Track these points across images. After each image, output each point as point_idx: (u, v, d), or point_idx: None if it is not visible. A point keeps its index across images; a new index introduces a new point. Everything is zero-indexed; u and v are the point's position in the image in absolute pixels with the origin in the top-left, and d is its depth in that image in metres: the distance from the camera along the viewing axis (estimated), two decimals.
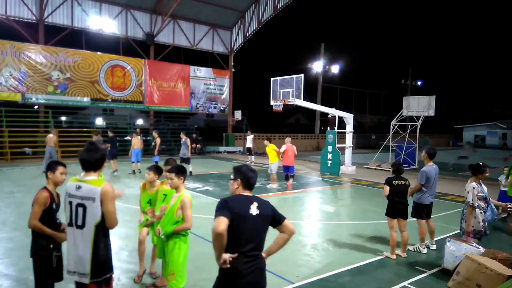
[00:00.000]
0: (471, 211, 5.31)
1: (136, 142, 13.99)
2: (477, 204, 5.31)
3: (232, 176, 2.85)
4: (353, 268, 5.36)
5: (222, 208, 2.59)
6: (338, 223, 8.02)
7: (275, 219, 2.80)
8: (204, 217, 7.25)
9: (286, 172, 12.06)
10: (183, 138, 14.17)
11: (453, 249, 5.12)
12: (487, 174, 5.48)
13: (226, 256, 2.55)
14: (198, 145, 22.59)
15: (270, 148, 12.04)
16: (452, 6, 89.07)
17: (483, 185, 5.51)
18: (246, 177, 2.80)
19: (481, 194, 5.36)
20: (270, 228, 2.83)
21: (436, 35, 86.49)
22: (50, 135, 13.81)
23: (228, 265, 2.55)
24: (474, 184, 5.38)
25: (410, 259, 5.79)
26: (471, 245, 5.11)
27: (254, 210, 2.67)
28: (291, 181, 12.07)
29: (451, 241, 5.27)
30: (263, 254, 2.77)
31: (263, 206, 2.74)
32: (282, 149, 11.88)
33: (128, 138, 20.29)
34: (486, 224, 5.44)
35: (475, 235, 5.41)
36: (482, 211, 5.36)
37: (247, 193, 2.80)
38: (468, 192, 5.32)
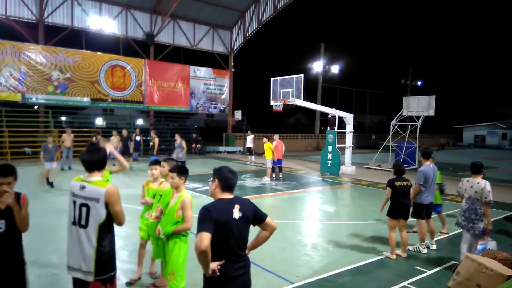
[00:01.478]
0: (489, 209, 5.22)
1: (115, 140, 14.84)
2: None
3: (211, 178, 2.83)
4: (353, 268, 5.36)
5: (205, 219, 2.53)
6: (338, 223, 8.02)
7: (257, 218, 2.79)
8: None
9: (275, 165, 13.61)
10: (178, 140, 13.62)
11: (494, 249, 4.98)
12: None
13: (214, 265, 2.53)
14: (198, 145, 22.61)
15: (267, 146, 13.63)
16: (452, 6, 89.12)
17: None
18: (225, 178, 2.74)
19: None
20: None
21: (436, 35, 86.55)
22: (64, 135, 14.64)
23: (218, 273, 2.54)
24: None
25: (410, 259, 5.79)
26: (490, 242, 5.10)
27: (236, 213, 2.65)
28: (280, 174, 13.75)
29: (489, 244, 5.08)
30: (246, 250, 2.80)
31: (245, 207, 2.72)
32: (273, 145, 13.47)
33: None
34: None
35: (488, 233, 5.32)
36: None
37: (227, 196, 2.74)
38: (489, 191, 5.18)
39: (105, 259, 2.91)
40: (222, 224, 2.55)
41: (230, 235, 2.60)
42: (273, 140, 13.72)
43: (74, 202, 2.95)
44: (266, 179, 13.49)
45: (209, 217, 2.53)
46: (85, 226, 2.89)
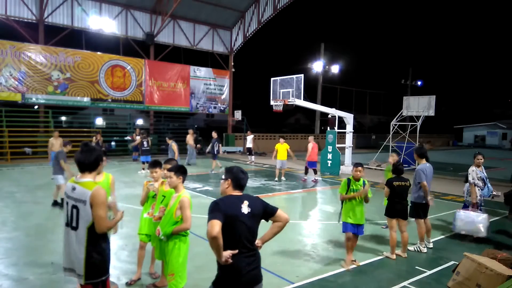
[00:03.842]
0: (474, 188, 6.84)
1: (55, 143, 12.08)
2: (476, 182, 6.87)
3: (223, 176, 2.92)
4: (353, 268, 5.35)
5: (214, 210, 2.64)
6: (338, 223, 8.01)
7: (267, 212, 2.88)
8: (204, 217, 7.20)
9: (312, 167, 13.49)
10: (169, 141, 13.07)
11: (463, 217, 6.69)
12: (479, 160, 6.97)
13: (227, 253, 2.61)
14: (198, 145, 22.61)
15: (284, 147, 13.33)
16: (451, 6, 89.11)
17: (483, 169, 7.06)
18: (237, 177, 2.86)
19: (479, 175, 6.92)
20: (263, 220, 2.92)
21: (436, 35, 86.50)
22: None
23: (231, 261, 2.62)
24: (473, 167, 6.97)
25: (410, 259, 5.79)
26: (477, 211, 6.66)
27: (245, 208, 2.74)
28: (315, 177, 13.83)
29: (461, 211, 6.84)
30: (259, 242, 2.86)
31: (254, 204, 2.81)
32: (310, 147, 13.23)
33: (128, 138, 20.30)
34: (482, 198, 7.11)
35: (473, 206, 6.86)
36: (479, 189, 6.94)
37: (237, 193, 2.85)
38: (470, 174, 6.94)
39: (96, 262, 2.87)
40: (230, 217, 2.65)
41: (239, 229, 2.69)
42: (309, 142, 13.44)
43: (67, 203, 2.94)
44: (276, 180, 13.36)
45: (219, 209, 2.64)
46: (75, 228, 2.86)
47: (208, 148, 16.02)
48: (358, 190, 5.41)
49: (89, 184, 2.89)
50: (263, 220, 2.91)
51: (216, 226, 2.53)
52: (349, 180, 5.50)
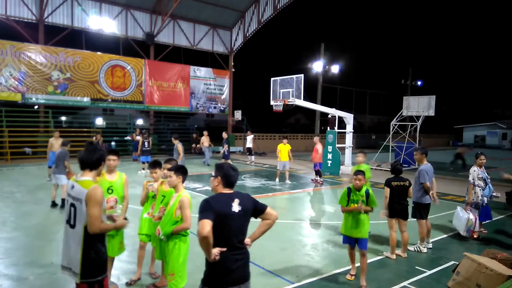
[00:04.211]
0: (472, 188, 6.91)
1: (54, 143, 11.78)
2: (477, 183, 6.90)
3: (213, 173, 2.91)
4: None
5: (205, 210, 2.64)
6: (338, 223, 8.00)
7: (257, 210, 2.89)
8: None
9: (318, 168, 13.36)
10: (175, 141, 12.70)
11: (457, 213, 6.93)
12: (481, 160, 6.98)
13: (215, 250, 2.63)
14: (198, 145, 22.61)
15: (286, 148, 13.15)
16: (451, 6, 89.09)
17: (484, 170, 7.06)
18: (227, 175, 2.85)
19: (481, 176, 6.92)
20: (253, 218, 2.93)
21: (436, 35, 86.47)
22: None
23: (218, 257, 2.63)
24: (475, 168, 6.98)
25: (410, 259, 5.79)
26: (467, 212, 6.81)
27: (236, 207, 2.75)
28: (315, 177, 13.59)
29: (460, 208, 7.03)
30: (248, 240, 2.85)
31: (244, 202, 2.81)
32: (319, 148, 13.07)
33: (128, 138, 20.32)
34: (484, 198, 6.96)
35: (475, 206, 6.92)
36: (481, 189, 6.91)
37: (227, 191, 2.84)
38: (470, 174, 7.00)
39: (92, 262, 2.87)
40: (221, 216, 2.65)
41: (230, 228, 2.70)
42: (315, 143, 13.23)
43: (67, 201, 2.97)
44: (281, 182, 13.11)
45: (210, 208, 2.65)
46: (73, 226, 2.88)
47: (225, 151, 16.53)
48: (359, 201, 4.85)
49: (87, 183, 2.90)
50: (252, 218, 2.91)
51: (207, 226, 2.54)
52: (349, 190, 4.92)
